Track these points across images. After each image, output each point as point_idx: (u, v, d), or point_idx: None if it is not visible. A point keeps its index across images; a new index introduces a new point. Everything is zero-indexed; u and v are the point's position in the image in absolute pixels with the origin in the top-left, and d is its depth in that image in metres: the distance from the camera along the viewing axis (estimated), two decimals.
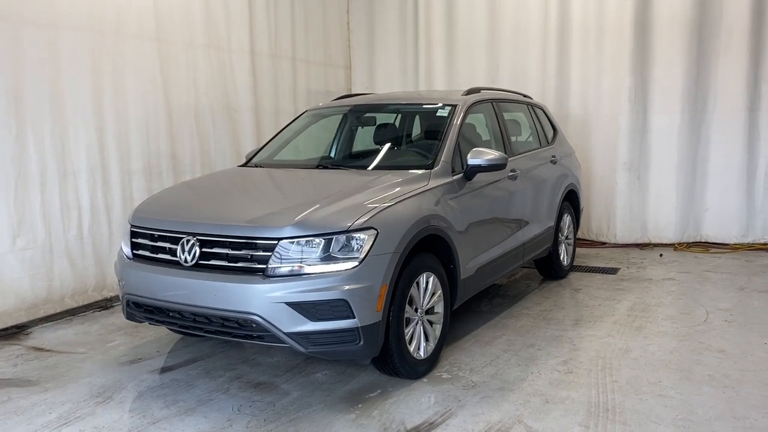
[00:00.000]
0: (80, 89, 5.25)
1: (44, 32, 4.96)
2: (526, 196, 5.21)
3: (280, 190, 4.24)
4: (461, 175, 4.35)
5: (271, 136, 7.29)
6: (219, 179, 4.74)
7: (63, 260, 5.21)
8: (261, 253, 3.42)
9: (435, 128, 4.64)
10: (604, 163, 7.71)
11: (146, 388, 3.84)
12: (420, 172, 4.15)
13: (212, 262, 3.54)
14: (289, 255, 3.38)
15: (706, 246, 7.46)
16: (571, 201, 6.34)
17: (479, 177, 4.47)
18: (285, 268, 3.37)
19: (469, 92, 5.03)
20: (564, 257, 6.22)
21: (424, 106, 5.02)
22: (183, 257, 3.58)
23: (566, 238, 6.26)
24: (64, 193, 5.18)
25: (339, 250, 3.40)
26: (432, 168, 4.22)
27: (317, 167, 4.64)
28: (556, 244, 5.96)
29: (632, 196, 7.67)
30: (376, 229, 3.46)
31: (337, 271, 3.36)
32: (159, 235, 3.76)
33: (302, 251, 3.39)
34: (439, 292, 4.00)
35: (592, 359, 4.12)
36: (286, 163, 4.94)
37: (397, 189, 3.87)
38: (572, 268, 6.49)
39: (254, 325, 3.38)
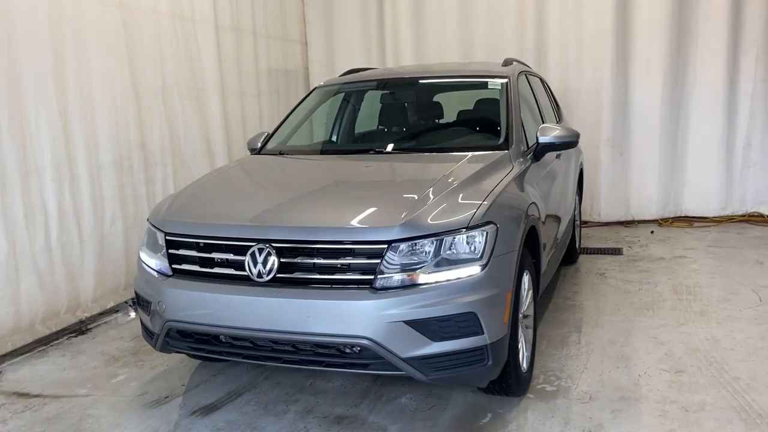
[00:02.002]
0: (39, 66, 4.22)
1: None
2: (567, 177, 4.78)
3: (355, 183, 3.51)
4: (531, 155, 3.83)
5: (240, 121, 6.52)
6: (256, 171, 3.91)
7: (30, 278, 4.19)
8: (364, 261, 2.74)
9: (490, 104, 4.08)
10: (586, 139, 7.37)
11: None
12: (499, 153, 3.58)
13: (295, 275, 2.80)
14: (401, 261, 2.73)
15: (688, 220, 7.41)
16: (580, 181, 6.01)
17: (543, 158, 3.97)
18: (397, 278, 2.71)
19: (507, 64, 4.50)
20: (578, 240, 5.89)
21: (473, 79, 4.40)
22: (255, 271, 2.81)
23: (576, 220, 5.93)
24: (27, 196, 4.16)
25: (459, 252, 2.78)
26: (507, 148, 3.66)
27: (370, 152, 3.91)
28: (573, 227, 5.60)
29: (615, 173, 7.49)
30: (496, 224, 2.86)
31: (460, 278, 2.74)
32: (213, 244, 2.95)
33: (414, 257, 2.74)
34: (531, 291, 3.47)
35: (689, 354, 3.76)
36: (323, 148, 4.18)
37: (491, 175, 3.28)
38: (580, 250, 6.19)
39: (362, 351, 2.70)
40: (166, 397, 3.47)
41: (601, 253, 6.23)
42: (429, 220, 2.78)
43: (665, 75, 7.15)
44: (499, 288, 2.82)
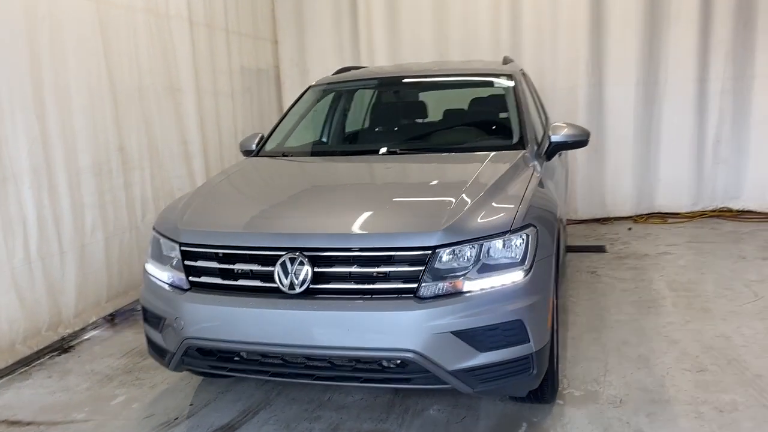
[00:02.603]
0: (14, 64, 3.89)
1: None
2: (564, 175, 4.73)
3: (383, 186, 3.33)
4: (544, 154, 3.75)
5: (215, 121, 6.25)
6: (267, 175, 3.70)
7: (10, 294, 3.86)
8: (406, 269, 2.59)
9: (499, 101, 3.98)
10: None
11: None
12: (518, 153, 3.48)
13: (330, 285, 2.62)
14: (445, 268, 2.59)
15: (662, 216, 7.51)
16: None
17: (555, 156, 3.91)
18: (440, 286, 2.57)
19: (506, 62, 4.42)
20: (565, 238, 5.87)
21: (480, 77, 4.29)
22: (287, 282, 2.62)
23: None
24: (4, 205, 3.83)
25: (500, 257, 2.66)
26: (524, 147, 3.57)
27: (383, 153, 3.73)
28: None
29: (591, 170, 7.53)
30: (536, 227, 2.76)
31: (505, 284, 2.62)
32: (236, 254, 2.74)
33: (456, 262, 2.61)
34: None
35: (704, 352, 3.75)
36: (333, 150, 4.01)
37: (518, 176, 3.18)
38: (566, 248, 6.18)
39: (406, 365, 2.55)
40: (175, 419, 3.24)
41: (585, 251, 6.23)
42: (472, 225, 2.66)
43: (638, 74, 7.22)
44: (542, 293, 2.72)
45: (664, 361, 3.65)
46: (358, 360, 2.60)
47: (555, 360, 3.08)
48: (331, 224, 2.75)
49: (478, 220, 2.69)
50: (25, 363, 3.96)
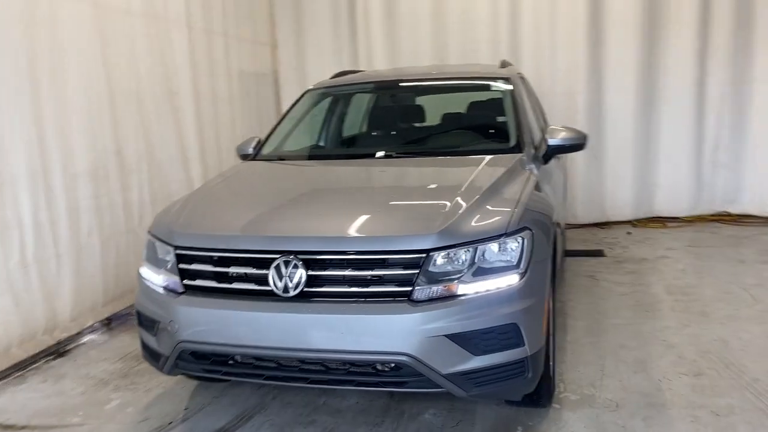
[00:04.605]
0: (12, 68, 3.89)
1: None
2: (561, 179, 4.73)
3: (378, 189, 3.33)
4: (540, 158, 3.74)
5: (214, 126, 6.25)
6: (263, 179, 3.70)
7: (5, 298, 3.86)
8: (399, 272, 2.58)
9: (496, 105, 3.98)
10: None
11: None
12: (515, 157, 3.47)
13: (324, 288, 2.61)
14: (439, 271, 2.58)
15: (661, 221, 7.50)
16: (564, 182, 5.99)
17: (552, 160, 3.90)
18: (435, 290, 2.56)
19: (504, 65, 4.42)
20: (564, 243, 5.86)
21: (477, 81, 4.28)
22: (281, 285, 2.61)
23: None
24: (1, 208, 3.82)
25: (496, 261, 2.65)
26: (521, 151, 3.57)
27: (378, 156, 3.73)
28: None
29: (590, 175, 7.52)
30: (531, 230, 2.75)
31: (500, 287, 2.61)
32: (230, 257, 2.73)
33: (451, 265, 2.60)
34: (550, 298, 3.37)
35: (702, 356, 3.73)
36: (330, 153, 4.01)
37: (514, 180, 3.17)
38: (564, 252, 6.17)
39: (400, 369, 2.54)
40: (170, 423, 3.22)
41: (584, 255, 6.22)
42: (466, 228, 2.65)
43: (637, 79, 7.22)
44: (538, 296, 2.71)
45: (660, 365, 3.64)
46: (352, 363, 2.59)
47: (551, 364, 3.06)
48: (325, 227, 2.74)
49: (473, 224, 2.69)
50: (21, 367, 3.94)
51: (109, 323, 4.75)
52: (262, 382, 3.01)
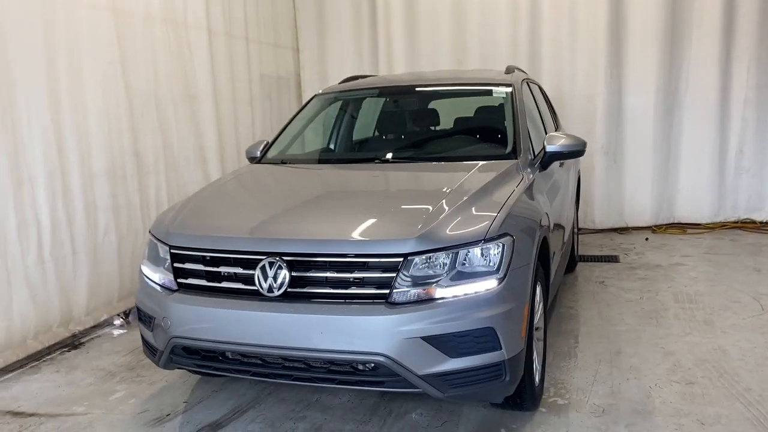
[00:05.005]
0: (32, 71, 4.09)
1: None
2: (568, 185, 4.74)
3: (366, 194, 3.42)
4: (538, 164, 3.78)
5: (233, 128, 6.42)
6: (261, 182, 3.82)
7: (22, 292, 4.06)
8: (379, 275, 2.66)
9: (496, 112, 4.04)
10: None
11: None
12: (508, 163, 3.52)
13: (307, 289, 2.71)
14: (417, 275, 2.65)
15: (681, 227, 7.42)
16: (577, 188, 5.98)
17: (551, 166, 3.93)
18: (413, 293, 2.63)
19: (509, 71, 4.45)
20: (576, 248, 5.86)
21: (478, 87, 4.34)
22: (266, 285, 2.72)
23: (574, 227, 5.90)
24: (20, 206, 4.03)
25: (475, 265, 2.71)
26: (516, 158, 3.61)
27: (376, 161, 3.83)
28: (573, 234, 5.57)
29: (609, 180, 7.48)
30: (512, 236, 2.80)
31: (478, 292, 2.67)
32: (220, 257, 2.85)
33: (430, 270, 2.67)
34: (542, 303, 3.41)
35: (698, 365, 3.72)
36: (329, 157, 4.11)
37: (503, 186, 3.22)
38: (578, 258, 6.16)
39: (378, 369, 2.63)
40: (168, 415, 3.36)
41: (598, 261, 6.20)
42: (446, 233, 2.71)
43: (658, 82, 7.16)
44: (516, 302, 2.76)
45: (655, 373, 3.64)
46: (332, 362, 2.68)
47: (535, 367, 3.10)
48: (310, 230, 2.84)
49: (454, 229, 2.75)
50: (36, 357, 4.14)
51: (127, 317, 4.92)
52: (250, 378, 3.11)
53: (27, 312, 4.08)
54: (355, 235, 2.75)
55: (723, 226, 7.34)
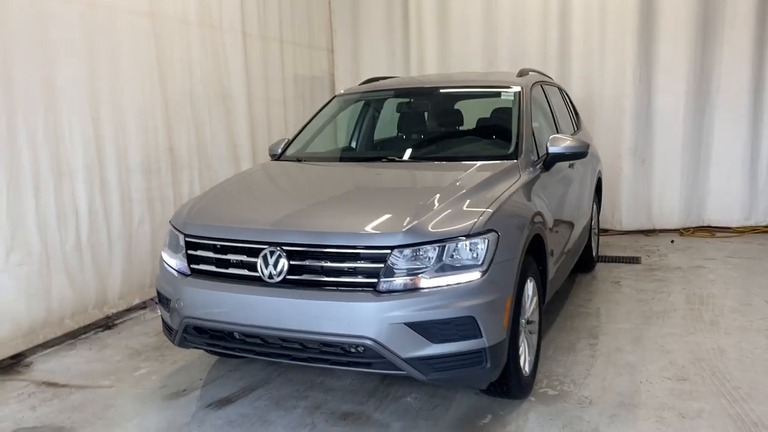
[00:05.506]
0: (73, 71, 4.45)
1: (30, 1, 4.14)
2: (579, 186, 4.85)
3: (365, 190, 3.65)
4: (540, 164, 3.93)
5: (266, 126, 6.72)
6: (272, 178, 4.09)
7: (61, 276, 4.42)
8: (368, 265, 2.88)
9: (502, 113, 4.19)
10: (608, 147, 7.42)
11: (212, 428, 3.22)
12: (508, 163, 3.68)
13: (304, 277, 2.95)
14: (404, 266, 2.86)
15: (710, 230, 7.38)
16: (598, 190, 6.06)
17: (554, 167, 4.07)
18: (399, 282, 2.84)
19: (522, 74, 4.60)
20: (594, 249, 5.94)
21: (486, 89, 4.52)
22: (267, 272, 2.98)
23: (594, 228, 5.98)
24: (60, 197, 4.39)
25: (460, 259, 2.90)
26: (516, 158, 3.77)
27: (383, 160, 4.06)
28: (590, 235, 5.65)
29: (637, 181, 7.49)
30: (497, 232, 2.98)
31: (460, 283, 2.86)
32: (228, 246, 3.12)
33: (417, 262, 2.87)
34: (536, 298, 3.56)
35: (693, 363, 3.81)
36: (338, 156, 4.35)
37: (497, 184, 3.39)
38: (598, 258, 6.23)
39: (365, 351, 2.84)
40: (184, 390, 3.66)
41: (618, 262, 6.26)
42: (431, 228, 2.91)
43: (689, 82, 7.14)
44: (498, 293, 2.93)
45: (648, 369, 3.74)
46: (324, 344, 2.91)
47: (520, 357, 3.25)
48: (308, 223, 3.08)
49: (441, 224, 2.94)
50: (73, 336, 4.51)
51: (157, 303, 5.25)
52: (255, 357, 3.36)
53: (65, 294, 4.45)
54: (348, 228, 2.97)
55: (754, 230, 7.28)
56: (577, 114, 6.06)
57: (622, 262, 6.27)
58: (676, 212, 7.46)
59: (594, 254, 5.98)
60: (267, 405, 3.43)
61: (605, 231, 7.53)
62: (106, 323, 4.78)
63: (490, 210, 3.05)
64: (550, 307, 4.85)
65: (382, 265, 2.85)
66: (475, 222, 2.95)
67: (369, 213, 3.12)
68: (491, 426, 3.15)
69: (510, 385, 3.22)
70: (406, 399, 3.45)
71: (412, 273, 2.86)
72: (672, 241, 7.04)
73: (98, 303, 4.74)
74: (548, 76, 5.61)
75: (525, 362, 3.38)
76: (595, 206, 5.97)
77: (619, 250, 6.76)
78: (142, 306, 5.15)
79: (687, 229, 7.42)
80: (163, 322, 3.51)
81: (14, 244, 4.09)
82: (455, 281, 2.85)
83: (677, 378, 3.61)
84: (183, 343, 3.32)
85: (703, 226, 7.47)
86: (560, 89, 5.70)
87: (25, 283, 4.17)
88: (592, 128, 7.38)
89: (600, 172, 6.04)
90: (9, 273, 4.07)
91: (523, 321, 3.36)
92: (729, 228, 7.37)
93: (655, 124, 7.35)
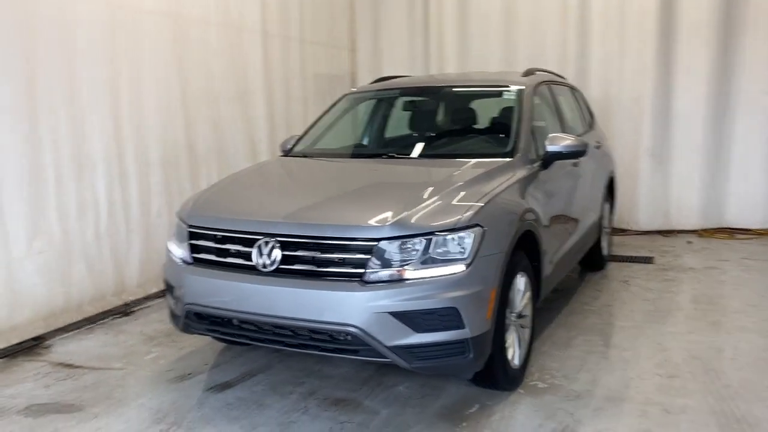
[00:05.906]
0: (95, 69, 4.68)
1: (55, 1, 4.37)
2: (585, 184, 4.90)
3: (359, 185, 3.77)
4: (539, 163, 4.00)
5: (285, 124, 6.89)
6: (275, 172, 4.26)
7: (80, 263, 4.65)
8: (356, 256, 3.00)
9: (504, 112, 4.28)
10: (626, 148, 7.43)
11: (211, 409, 3.39)
12: (503, 161, 3.77)
13: (296, 266, 3.09)
14: (389, 258, 2.98)
15: (729, 232, 7.31)
16: (610, 189, 6.07)
17: (554, 165, 4.13)
18: (384, 273, 2.96)
19: (527, 74, 4.66)
20: (605, 247, 5.96)
21: (488, 88, 4.62)
22: (261, 262, 3.13)
23: (605, 227, 6.00)
24: (80, 188, 4.62)
25: (445, 252, 3.00)
26: (512, 156, 3.85)
27: (383, 156, 4.18)
28: (600, 234, 5.68)
29: (655, 181, 7.45)
30: (482, 227, 3.07)
31: (444, 275, 2.96)
32: (226, 236, 3.28)
33: (403, 254, 2.99)
34: (529, 293, 3.64)
35: (687, 361, 3.84)
36: (341, 152, 4.48)
37: (489, 181, 3.48)
38: (609, 258, 6.24)
39: (351, 338, 2.97)
40: (189, 374, 3.83)
41: (631, 262, 6.26)
42: (417, 221, 3.02)
43: (709, 83, 7.08)
44: (482, 286, 3.03)
45: (642, 366, 3.79)
46: (313, 331, 3.04)
47: (506, 349, 3.33)
48: (300, 215, 3.22)
49: (427, 218, 3.05)
50: (92, 321, 4.74)
51: None
52: (251, 343, 3.51)
53: (84, 281, 4.68)
54: (338, 220, 3.10)
55: None
56: (591, 114, 6.09)
57: (635, 261, 6.27)
58: (694, 213, 7.40)
59: (604, 253, 5.99)
60: (264, 390, 3.59)
61: (623, 231, 7.52)
62: (125, 310, 5.00)
63: (478, 205, 3.14)
64: (554, 304, 4.91)
65: (369, 257, 2.97)
66: (461, 216, 3.05)
67: (361, 206, 3.25)
68: (477, 415, 3.25)
69: (497, 376, 3.31)
70: (398, 388, 3.57)
71: (398, 264, 2.97)
72: (689, 242, 7.01)
73: (117, 290, 4.96)
74: (560, 76, 5.66)
75: (514, 355, 3.47)
76: (607, 205, 5.99)
77: (634, 249, 6.75)
78: (160, 294, 5.35)
79: (706, 230, 7.36)
80: (169, 308, 3.69)
81: (36, 232, 4.32)
82: (440, 273, 2.96)
83: (668, 375, 3.65)
84: (186, 329, 3.49)
85: (722, 228, 7.40)
86: (572, 89, 5.74)
87: (45, 270, 4.40)
88: (610, 128, 7.39)
89: (613, 171, 6.05)
90: (31, 260, 4.30)
91: (513, 315, 3.44)
92: (749, 230, 7.28)
93: (675, 125, 7.31)
